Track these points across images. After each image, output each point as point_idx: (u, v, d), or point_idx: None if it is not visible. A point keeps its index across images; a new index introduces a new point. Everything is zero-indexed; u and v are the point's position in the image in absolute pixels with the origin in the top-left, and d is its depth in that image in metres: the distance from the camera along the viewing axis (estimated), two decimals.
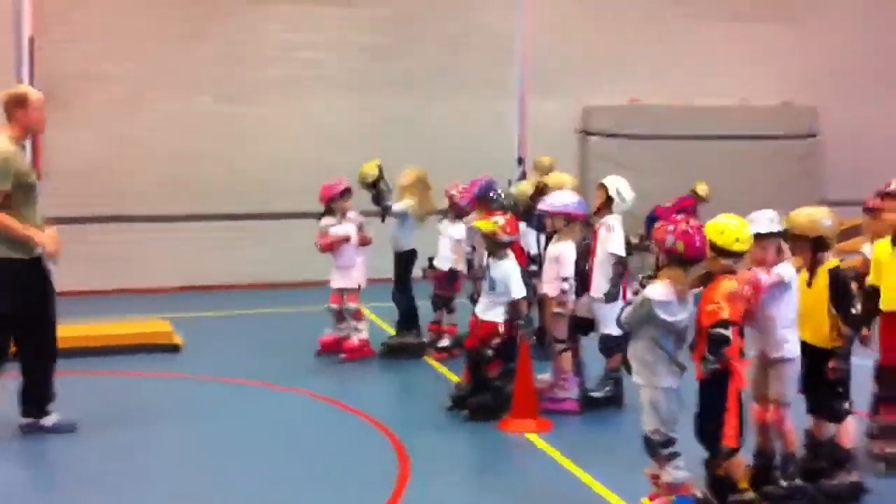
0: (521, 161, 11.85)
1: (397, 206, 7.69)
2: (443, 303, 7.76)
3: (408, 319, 7.86)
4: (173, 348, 7.89)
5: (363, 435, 5.84)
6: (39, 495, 5.05)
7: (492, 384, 6.02)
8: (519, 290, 5.96)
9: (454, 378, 6.66)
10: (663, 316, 4.21)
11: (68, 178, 10.57)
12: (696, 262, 4.22)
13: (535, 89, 12.08)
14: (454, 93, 11.84)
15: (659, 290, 4.20)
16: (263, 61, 11.18)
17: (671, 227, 4.22)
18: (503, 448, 5.69)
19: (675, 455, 4.30)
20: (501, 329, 5.99)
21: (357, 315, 7.60)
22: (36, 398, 5.79)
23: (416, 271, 7.88)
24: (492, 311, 6.04)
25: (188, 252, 10.84)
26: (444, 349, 7.62)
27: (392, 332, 7.99)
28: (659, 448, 4.30)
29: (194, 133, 10.97)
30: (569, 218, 6.10)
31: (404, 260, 7.88)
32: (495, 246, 6.01)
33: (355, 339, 7.59)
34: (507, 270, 5.98)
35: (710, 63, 12.71)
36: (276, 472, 5.25)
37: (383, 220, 7.81)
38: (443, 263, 7.63)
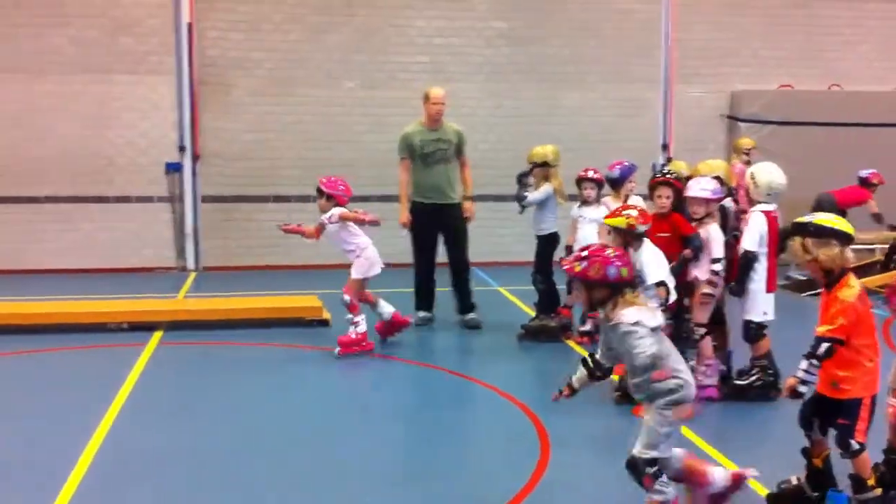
0: (665, 147, 11.72)
1: (538, 193, 7.75)
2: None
3: (547, 302, 7.91)
4: (323, 323, 8.21)
5: (502, 413, 5.94)
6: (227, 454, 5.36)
7: None
8: (654, 275, 5.92)
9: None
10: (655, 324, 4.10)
11: (223, 160, 11.12)
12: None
13: (680, 75, 11.90)
14: (596, 79, 11.80)
15: (632, 315, 4.03)
16: (405, 47, 11.39)
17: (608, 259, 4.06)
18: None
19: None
20: None
21: (351, 308, 7.27)
22: None
23: (559, 254, 7.90)
24: None
25: None
26: (586, 333, 7.63)
27: (532, 314, 8.07)
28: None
29: (342, 117, 11.30)
30: (708, 204, 6.07)
31: (545, 243, 7.93)
32: (630, 238, 6.00)
33: (352, 333, 7.28)
34: (644, 258, 5.96)
35: (863, 47, 12.21)
36: (419, 446, 5.43)
37: (521, 212, 7.90)
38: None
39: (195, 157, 11.03)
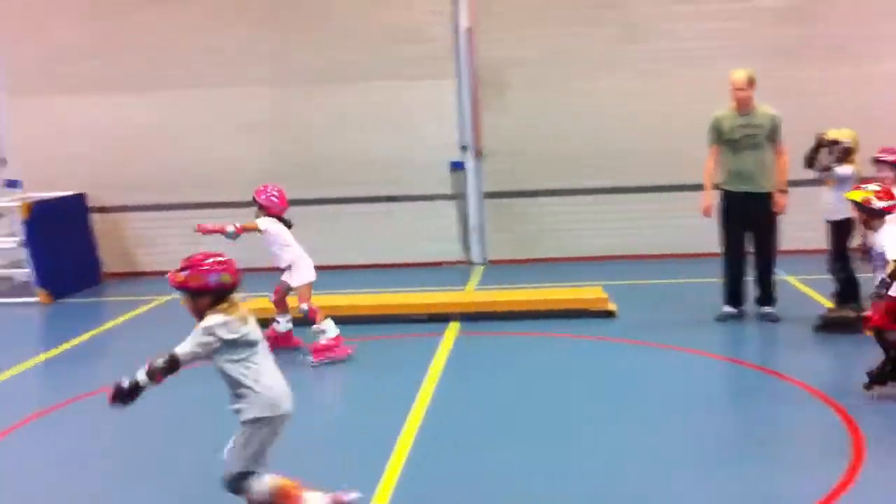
0: None
1: (842, 170, 7.45)
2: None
3: (846, 291, 7.60)
4: (609, 314, 8.35)
5: (808, 408, 5.80)
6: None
7: None
8: (893, 251, 5.58)
9: None
10: (229, 336, 3.98)
11: (503, 156, 11.51)
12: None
13: None
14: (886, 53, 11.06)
15: (214, 319, 3.98)
16: (668, 34, 11.17)
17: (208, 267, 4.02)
18: None
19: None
20: None
21: (310, 315, 7.27)
22: None
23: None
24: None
25: (614, 223, 11.36)
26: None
27: (829, 305, 7.78)
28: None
29: (617, 109, 11.33)
30: None
31: (840, 229, 7.61)
32: (868, 215, 5.68)
33: (322, 339, 7.24)
34: (882, 237, 5.65)
35: None
36: (715, 441, 5.44)
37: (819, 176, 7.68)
38: None
39: (477, 155, 11.51)
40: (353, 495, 4.30)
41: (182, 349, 3.98)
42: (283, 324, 7.64)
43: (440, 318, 8.35)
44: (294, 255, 7.42)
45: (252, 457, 4.11)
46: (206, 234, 7.11)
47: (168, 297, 10.20)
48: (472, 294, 9.70)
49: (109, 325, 9.21)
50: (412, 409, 5.97)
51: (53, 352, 8.17)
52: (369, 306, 8.77)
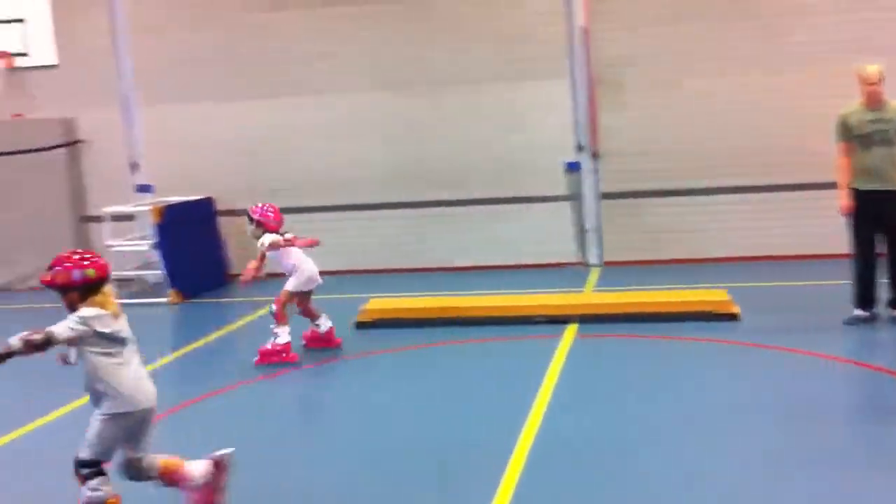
0: None
1: None
2: None
3: None
4: (732, 317, 8.16)
5: None
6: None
7: None
8: None
9: None
10: (101, 329, 4.21)
11: (621, 156, 11.38)
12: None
13: None
14: None
15: (87, 312, 4.20)
16: (797, 28, 10.82)
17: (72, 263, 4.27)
18: None
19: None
20: None
21: (276, 317, 7.68)
22: None
23: None
24: None
25: (737, 223, 11.08)
26: None
27: None
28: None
29: (739, 106, 11.05)
30: None
31: None
32: None
33: (269, 343, 7.65)
34: None
35: None
36: (849, 447, 5.26)
37: None
38: None
39: (594, 156, 11.41)
40: (227, 451, 4.66)
41: (57, 329, 4.15)
42: (322, 325, 8.06)
43: (558, 321, 8.32)
44: (293, 264, 7.83)
45: (103, 449, 4.31)
46: (249, 279, 7.83)
47: None
48: (591, 296, 9.63)
49: (236, 324, 9.53)
50: (530, 413, 5.97)
51: (185, 349, 8.51)
52: (486, 307, 8.81)
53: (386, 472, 5.18)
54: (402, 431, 5.86)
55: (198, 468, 4.54)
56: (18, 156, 12.18)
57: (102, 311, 4.24)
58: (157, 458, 4.48)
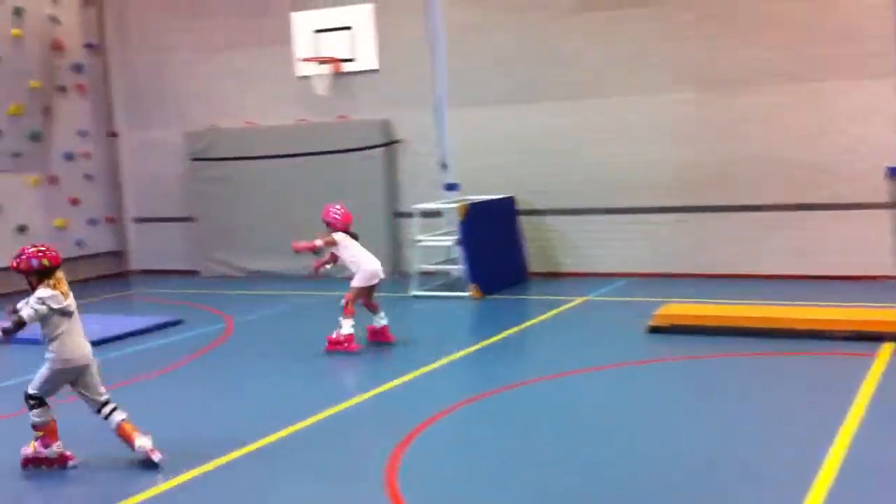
0: None
1: None
2: None
3: None
4: None
5: None
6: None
7: None
8: None
9: None
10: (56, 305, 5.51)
11: None
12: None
13: None
14: None
15: (43, 293, 5.52)
16: None
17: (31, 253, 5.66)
18: None
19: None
20: None
21: (344, 310, 8.44)
22: None
23: None
24: None
25: None
26: None
27: None
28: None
29: None
30: None
31: None
32: None
33: (334, 333, 8.48)
34: None
35: None
36: None
37: None
38: None
39: None
40: (158, 456, 5.63)
41: (24, 313, 5.47)
42: (377, 320, 8.73)
43: (870, 338, 7.76)
44: (358, 262, 8.52)
45: (44, 390, 5.68)
46: (299, 251, 8.61)
47: (585, 298, 10.60)
48: None
49: (531, 322, 9.77)
50: (836, 437, 5.61)
51: (483, 343, 8.86)
52: (790, 319, 8.38)
53: (680, 481, 5.12)
54: (698, 443, 5.73)
55: (144, 440, 5.65)
56: (343, 154, 13.25)
57: (55, 292, 5.52)
58: (121, 420, 5.70)
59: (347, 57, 13.30)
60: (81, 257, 14.37)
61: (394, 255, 13.15)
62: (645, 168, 11.85)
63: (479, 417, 6.59)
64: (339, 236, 8.51)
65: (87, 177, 14.88)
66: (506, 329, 9.31)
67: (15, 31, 13.31)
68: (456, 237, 11.48)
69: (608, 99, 11.98)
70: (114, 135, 15.37)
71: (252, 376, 8.05)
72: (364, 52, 13.24)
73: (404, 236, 13.06)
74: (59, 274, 5.63)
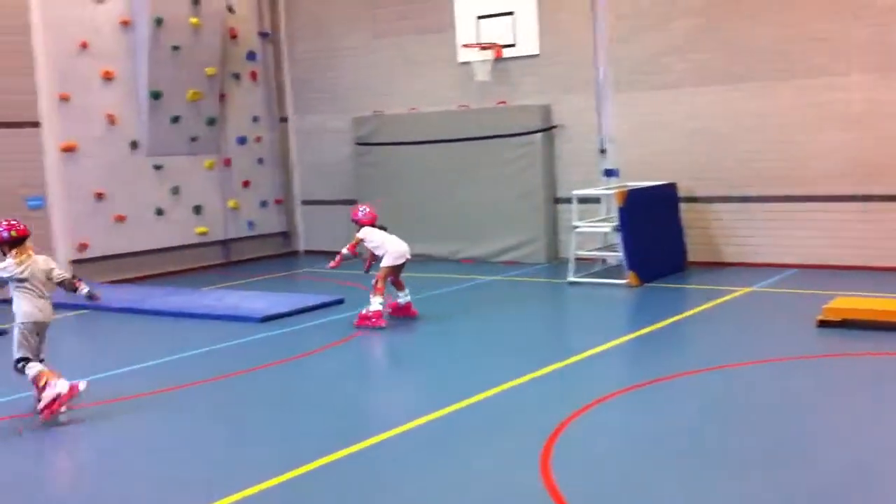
0: None
1: None
2: None
3: None
4: None
5: None
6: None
7: None
8: None
9: None
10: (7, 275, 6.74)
11: None
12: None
13: None
14: None
15: (9, 261, 6.72)
16: None
17: None
18: None
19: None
20: None
21: (375, 289, 9.14)
22: None
23: None
24: None
25: None
26: None
27: None
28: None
29: None
30: None
31: None
32: None
33: (364, 309, 9.19)
34: None
35: None
36: None
37: None
38: None
39: None
40: (84, 383, 6.59)
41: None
42: (402, 298, 9.52)
43: None
44: (385, 248, 9.26)
45: (24, 350, 6.65)
46: (338, 266, 9.36)
47: (750, 289, 10.27)
48: None
49: (691, 311, 9.54)
50: None
51: (641, 332, 8.72)
52: None
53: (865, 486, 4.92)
54: (879, 446, 5.50)
55: (61, 384, 6.43)
56: (502, 140, 13.31)
57: (14, 261, 6.63)
58: (37, 366, 6.60)
59: (508, 42, 13.33)
60: (252, 237, 15.06)
61: (551, 240, 13.13)
62: (818, 155, 11.34)
63: (640, 406, 6.49)
64: (362, 232, 9.39)
65: (259, 160, 15.56)
66: (665, 318, 9.13)
67: (193, 19, 14.01)
68: (614, 224, 11.34)
69: (779, 82, 11.51)
70: (284, 120, 15.99)
71: (411, 357, 8.20)
72: (525, 38, 13.24)
73: (562, 222, 13.01)
74: (28, 244, 6.77)
